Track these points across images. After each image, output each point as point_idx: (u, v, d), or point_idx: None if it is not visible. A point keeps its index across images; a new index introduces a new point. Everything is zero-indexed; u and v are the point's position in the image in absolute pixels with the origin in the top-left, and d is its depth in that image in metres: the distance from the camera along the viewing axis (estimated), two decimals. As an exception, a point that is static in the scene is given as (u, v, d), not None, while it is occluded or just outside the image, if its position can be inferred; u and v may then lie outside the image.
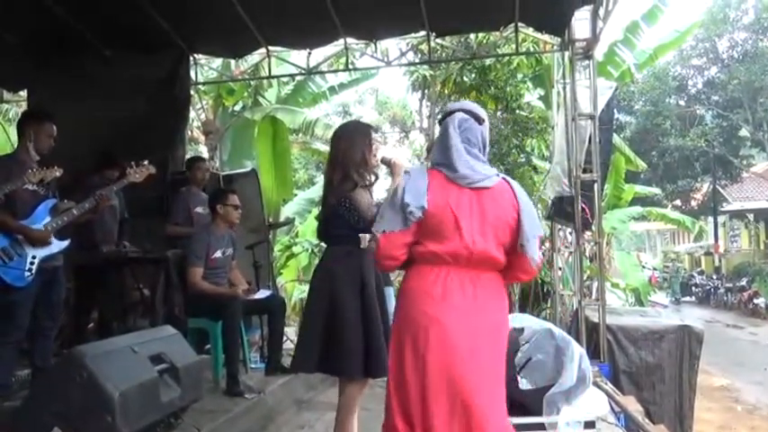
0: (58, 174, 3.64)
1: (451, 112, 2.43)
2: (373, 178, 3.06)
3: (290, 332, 6.19)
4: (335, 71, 9.58)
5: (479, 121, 2.42)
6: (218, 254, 4.55)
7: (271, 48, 6.89)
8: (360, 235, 2.96)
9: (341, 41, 6.65)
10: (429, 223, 2.25)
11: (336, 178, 2.97)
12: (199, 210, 5.15)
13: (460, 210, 2.26)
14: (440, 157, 2.37)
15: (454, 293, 2.24)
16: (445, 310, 2.22)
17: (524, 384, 3.76)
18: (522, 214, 2.31)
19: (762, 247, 24.52)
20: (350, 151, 2.97)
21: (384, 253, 2.32)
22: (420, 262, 2.31)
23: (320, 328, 2.92)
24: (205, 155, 11.70)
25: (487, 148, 2.46)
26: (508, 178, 2.42)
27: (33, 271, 3.54)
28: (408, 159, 21.70)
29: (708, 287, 21.94)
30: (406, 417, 2.22)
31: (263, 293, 4.88)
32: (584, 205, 5.47)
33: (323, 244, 3.32)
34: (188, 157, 6.69)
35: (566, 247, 7.51)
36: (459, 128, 2.36)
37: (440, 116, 2.52)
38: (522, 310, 7.59)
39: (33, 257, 3.55)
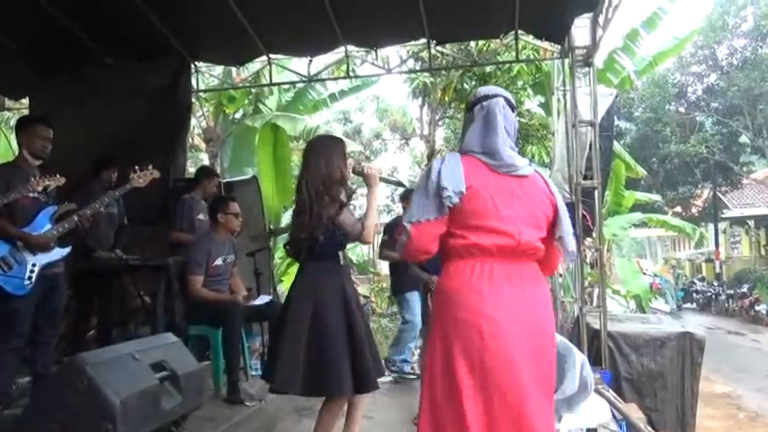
0: (60, 183, 3.65)
1: (491, 96, 2.24)
2: (350, 194, 2.95)
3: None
4: (336, 78, 9.60)
5: (513, 109, 2.28)
6: (219, 261, 4.55)
7: (272, 55, 6.90)
8: (339, 253, 2.94)
9: (341, 49, 6.66)
10: (468, 211, 2.08)
11: (320, 198, 2.81)
12: (201, 217, 5.15)
13: (502, 197, 2.11)
14: (478, 142, 2.19)
15: (503, 287, 2.07)
16: (497, 305, 2.05)
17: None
18: (558, 207, 2.21)
19: (763, 253, 24.46)
20: (329, 169, 2.86)
21: (417, 247, 2.13)
22: (459, 256, 2.13)
23: (302, 348, 2.79)
24: (206, 162, 11.75)
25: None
26: (539, 170, 2.27)
27: (33, 279, 3.53)
28: (409, 166, 21.76)
29: (709, 294, 21.86)
30: (458, 426, 2.01)
31: (262, 300, 4.88)
32: (584, 212, 5.47)
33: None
34: (200, 166, 6.67)
35: (566, 253, 7.49)
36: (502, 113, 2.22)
37: (472, 100, 2.31)
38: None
39: (33, 265, 3.54)
